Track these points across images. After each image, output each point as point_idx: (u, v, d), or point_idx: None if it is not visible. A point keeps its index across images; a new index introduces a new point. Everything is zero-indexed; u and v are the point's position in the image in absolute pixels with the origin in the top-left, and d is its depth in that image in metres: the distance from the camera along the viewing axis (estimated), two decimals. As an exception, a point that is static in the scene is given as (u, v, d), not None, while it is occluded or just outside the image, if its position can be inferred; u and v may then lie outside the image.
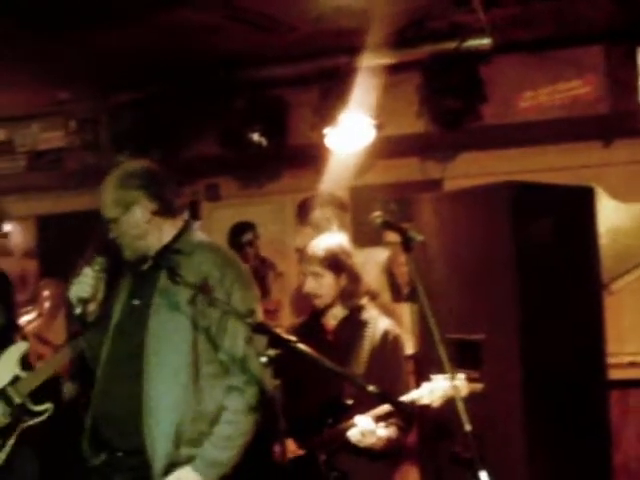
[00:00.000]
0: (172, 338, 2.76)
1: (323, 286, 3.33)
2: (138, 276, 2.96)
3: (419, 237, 2.85)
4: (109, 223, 2.89)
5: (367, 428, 3.06)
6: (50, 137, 6.16)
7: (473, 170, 5.01)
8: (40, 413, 3.59)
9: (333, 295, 3.35)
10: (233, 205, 5.88)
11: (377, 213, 2.95)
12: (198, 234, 2.99)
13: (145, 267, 2.95)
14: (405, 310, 5.09)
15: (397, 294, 5.25)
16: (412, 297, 5.01)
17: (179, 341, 2.76)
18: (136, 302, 2.91)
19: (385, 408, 3.06)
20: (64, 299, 4.97)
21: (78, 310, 2.87)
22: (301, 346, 2.48)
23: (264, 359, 2.45)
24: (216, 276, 2.79)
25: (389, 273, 5.25)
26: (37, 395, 3.60)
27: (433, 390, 3.00)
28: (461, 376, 2.98)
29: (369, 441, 3.09)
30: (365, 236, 5.21)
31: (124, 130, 5.61)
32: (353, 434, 3.09)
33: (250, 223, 5.54)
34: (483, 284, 3.68)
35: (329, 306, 3.38)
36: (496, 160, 5.00)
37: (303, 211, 5.51)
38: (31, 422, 3.56)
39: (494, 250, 3.65)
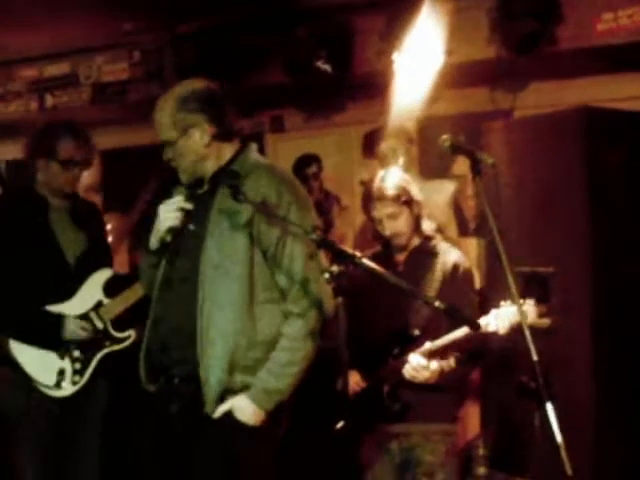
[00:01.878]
0: (228, 262, 2.69)
1: (401, 223, 3.28)
2: (194, 201, 2.87)
3: (489, 160, 2.69)
4: (164, 144, 2.81)
5: (418, 364, 3.04)
6: (114, 69, 6.13)
7: (545, 100, 4.80)
8: (122, 340, 3.57)
9: (412, 228, 3.31)
10: (297, 137, 5.79)
11: (445, 136, 2.81)
12: (255, 155, 2.89)
13: (201, 191, 2.87)
14: (471, 245, 4.98)
15: (464, 228, 5.13)
16: (479, 231, 4.89)
17: (235, 265, 2.69)
18: (192, 227, 2.84)
19: (441, 342, 3.04)
20: (127, 232, 5.02)
21: (168, 238, 2.83)
22: (365, 261, 2.43)
23: (327, 275, 2.42)
24: (273, 196, 2.70)
25: (456, 207, 5.11)
26: (120, 322, 3.57)
27: (500, 316, 2.91)
28: (530, 301, 2.87)
29: (422, 376, 3.06)
30: (432, 169, 5.09)
31: (188, 60, 5.56)
32: (406, 370, 3.08)
33: (315, 155, 5.45)
34: (555, 215, 3.57)
35: (409, 239, 3.32)
36: (570, 88, 4.78)
37: (369, 143, 5.39)
38: (113, 348, 3.55)
39: (566, 179, 3.53)
